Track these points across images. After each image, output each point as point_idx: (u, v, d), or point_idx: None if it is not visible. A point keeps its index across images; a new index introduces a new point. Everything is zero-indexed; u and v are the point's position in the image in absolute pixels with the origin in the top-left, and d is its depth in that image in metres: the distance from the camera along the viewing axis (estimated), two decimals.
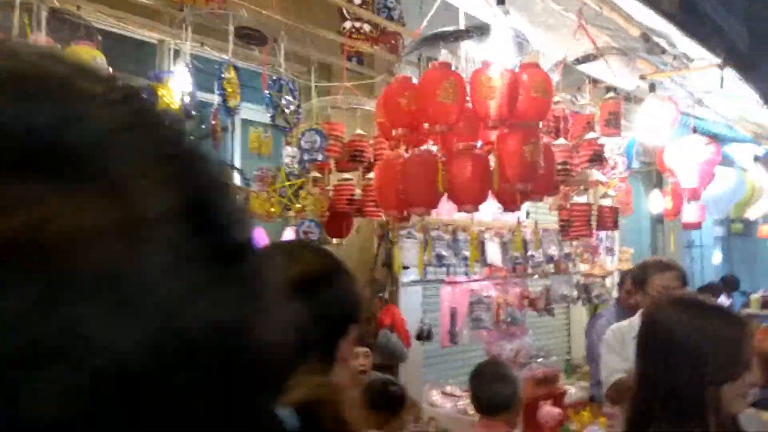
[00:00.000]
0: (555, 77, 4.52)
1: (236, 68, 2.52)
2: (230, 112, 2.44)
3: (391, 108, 2.55)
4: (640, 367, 1.59)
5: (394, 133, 2.57)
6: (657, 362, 1.53)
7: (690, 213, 4.76)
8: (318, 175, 2.85)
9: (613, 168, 4.72)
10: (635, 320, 3.05)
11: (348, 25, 4.34)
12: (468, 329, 4.06)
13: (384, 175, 2.62)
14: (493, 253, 3.92)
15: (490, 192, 2.73)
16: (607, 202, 4.16)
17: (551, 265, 5.07)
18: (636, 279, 3.02)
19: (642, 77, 5.05)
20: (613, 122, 3.64)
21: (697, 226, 5.35)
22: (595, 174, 3.51)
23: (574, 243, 5.26)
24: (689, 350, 1.46)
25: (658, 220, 8.56)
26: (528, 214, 5.46)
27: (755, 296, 9.32)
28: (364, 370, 3.91)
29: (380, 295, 5.59)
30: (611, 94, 3.75)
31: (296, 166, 2.69)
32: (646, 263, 3.09)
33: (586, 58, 3.60)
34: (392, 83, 2.59)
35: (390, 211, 2.66)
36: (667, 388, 1.47)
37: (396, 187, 2.54)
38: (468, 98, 2.48)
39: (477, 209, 2.48)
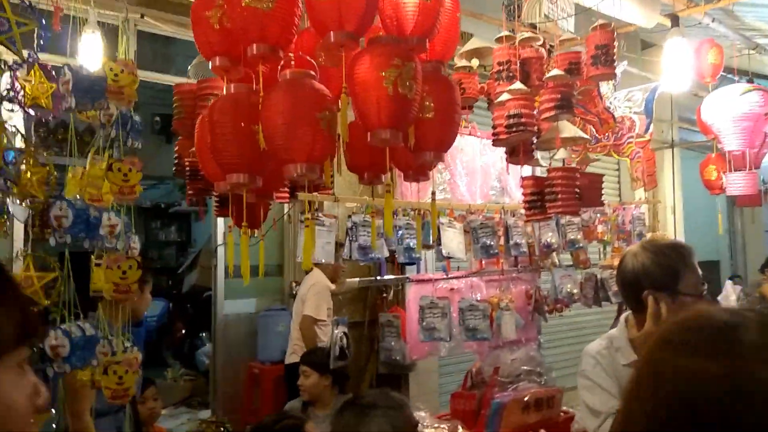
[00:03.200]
0: (569, 25, 3.56)
1: None
2: None
3: (200, 28, 1.72)
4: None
5: (210, 65, 1.75)
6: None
7: (736, 184, 3.63)
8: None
9: (629, 130, 3.67)
10: (617, 335, 2.12)
11: None
12: (421, 341, 3.17)
13: (201, 132, 1.79)
14: (452, 241, 3.00)
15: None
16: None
17: (555, 255, 4.07)
18: None
19: (672, 15, 3.95)
20: (603, 59, 2.64)
21: (755, 201, 4.18)
22: (569, 129, 2.52)
23: (583, 218, 4.18)
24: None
25: (733, 200, 7.13)
26: None
27: None
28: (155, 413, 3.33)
29: (383, 294, 4.78)
30: (600, 21, 2.74)
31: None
32: None
33: None
34: None
35: (219, 184, 1.83)
36: None
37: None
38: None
39: (314, 174, 1.60)
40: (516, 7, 4.83)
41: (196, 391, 6.58)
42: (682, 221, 7.79)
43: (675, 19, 3.52)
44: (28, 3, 1.60)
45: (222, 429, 4.93)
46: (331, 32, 1.55)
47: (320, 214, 2.53)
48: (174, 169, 2.94)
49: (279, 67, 1.63)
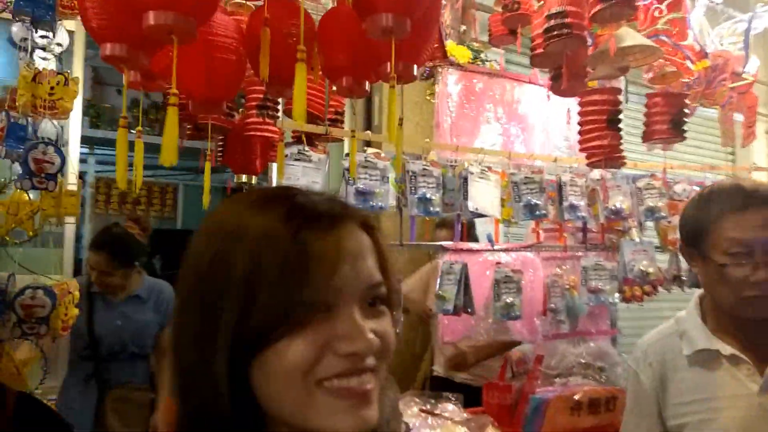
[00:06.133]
0: None
1: None
2: None
3: None
4: None
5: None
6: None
7: None
8: None
9: (721, 71, 2.88)
10: (686, 316, 1.54)
11: None
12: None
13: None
14: (481, 197, 2.42)
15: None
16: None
17: (634, 231, 3.35)
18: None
19: None
20: None
21: None
22: (631, 36, 1.87)
23: (675, 190, 3.37)
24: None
25: None
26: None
27: None
28: None
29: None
30: None
31: None
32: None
33: None
34: None
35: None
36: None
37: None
38: None
39: (188, 28, 1.09)
40: None
41: None
42: None
43: None
44: None
45: None
46: None
47: (307, 149, 2.06)
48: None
49: None
